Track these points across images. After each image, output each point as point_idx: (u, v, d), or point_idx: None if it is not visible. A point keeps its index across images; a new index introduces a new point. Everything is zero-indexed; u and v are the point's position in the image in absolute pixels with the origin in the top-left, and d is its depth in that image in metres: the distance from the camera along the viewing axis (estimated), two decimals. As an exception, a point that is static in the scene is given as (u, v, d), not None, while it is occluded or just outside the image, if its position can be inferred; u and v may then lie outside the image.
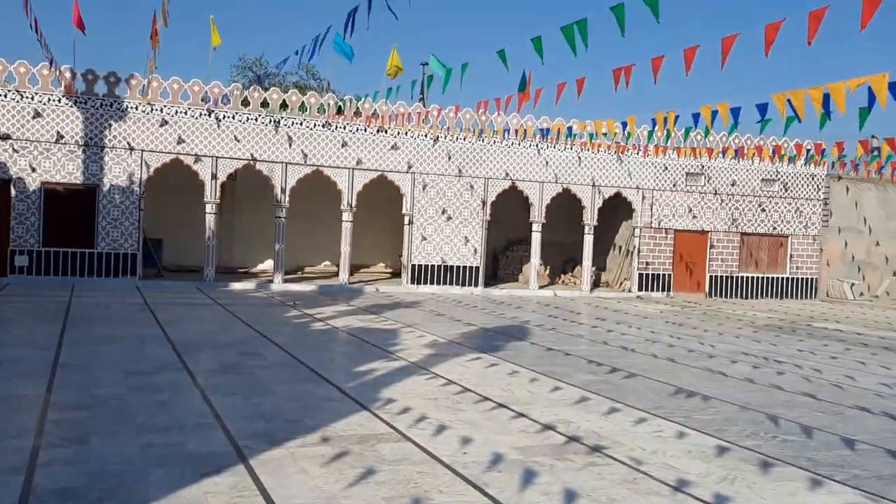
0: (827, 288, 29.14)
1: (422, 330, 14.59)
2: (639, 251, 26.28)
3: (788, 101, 8.75)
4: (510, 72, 10.80)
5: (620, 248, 27.59)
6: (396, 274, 26.86)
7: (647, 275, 26.42)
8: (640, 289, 26.28)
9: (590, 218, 25.56)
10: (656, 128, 14.14)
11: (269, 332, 13.39)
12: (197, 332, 13.27)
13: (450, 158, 24.13)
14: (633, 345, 13.96)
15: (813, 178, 28.08)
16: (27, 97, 20.08)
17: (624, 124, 15.81)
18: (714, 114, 12.71)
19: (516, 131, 23.80)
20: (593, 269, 26.21)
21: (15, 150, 20.02)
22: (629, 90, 11.05)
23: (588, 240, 25.69)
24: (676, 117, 14.08)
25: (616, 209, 26.64)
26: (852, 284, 29.16)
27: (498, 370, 10.67)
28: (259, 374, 9.65)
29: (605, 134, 22.26)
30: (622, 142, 24.92)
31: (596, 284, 26.72)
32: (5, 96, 19.92)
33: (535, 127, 24.11)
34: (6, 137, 19.90)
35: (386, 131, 23.48)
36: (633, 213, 26.27)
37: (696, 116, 11.70)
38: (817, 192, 28.23)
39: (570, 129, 22.57)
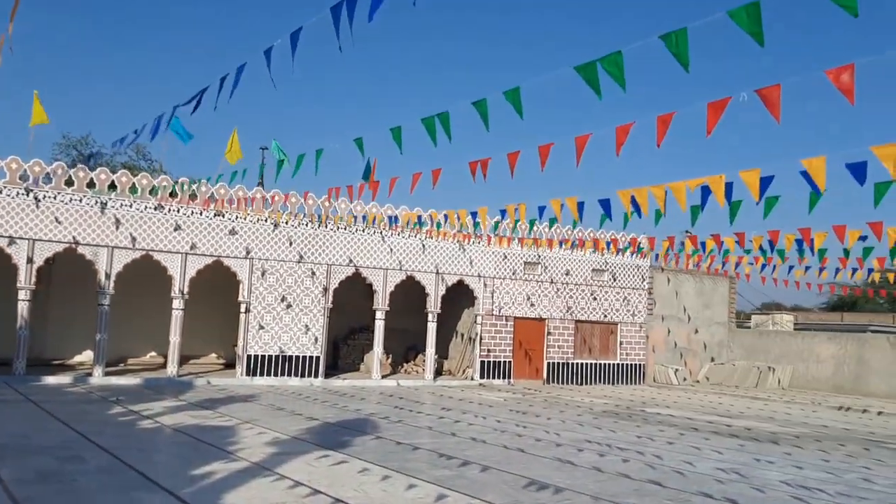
0: (654, 373, 30.63)
1: (261, 426, 13.72)
2: (481, 338, 26.55)
3: (633, 197, 9.15)
4: (362, 158, 10.66)
5: (463, 335, 27.79)
6: (230, 365, 25.52)
7: (489, 362, 26.66)
8: (482, 376, 26.42)
9: (433, 305, 25.63)
10: (506, 219, 14.45)
11: (91, 432, 12.08)
12: (7, 435, 11.74)
13: (291, 244, 23.56)
14: (483, 435, 13.79)
15: (638, 269, 29.80)
16: None
17: (474, 214, 16.09)
18: (562, 207, 13.19)
19: (364, 217, 23.70)
20: (436, 356, 26.13)
21: None
22: (485, 181, 11.23)
23: (431, 327, 25.67)
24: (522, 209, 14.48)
25: (459, 297, 26.92)
26: (676, 370, 30.84)
27: (347, 468, 10.10)
28: (82, 481, 8.57)
29: (446, 222, 22.62)
30: (469, 231, 25.44)
31: (439, 373, 26.61)
32: None
33: (383, 214, 24.12)
34: None
35: (223, 215, 22.65)
36: (475, 301, 26.63)
37: (541, 209, 12.04)
38: (642, 283, 29.93)
39: (419, 218, 22.76)
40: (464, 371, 27.25)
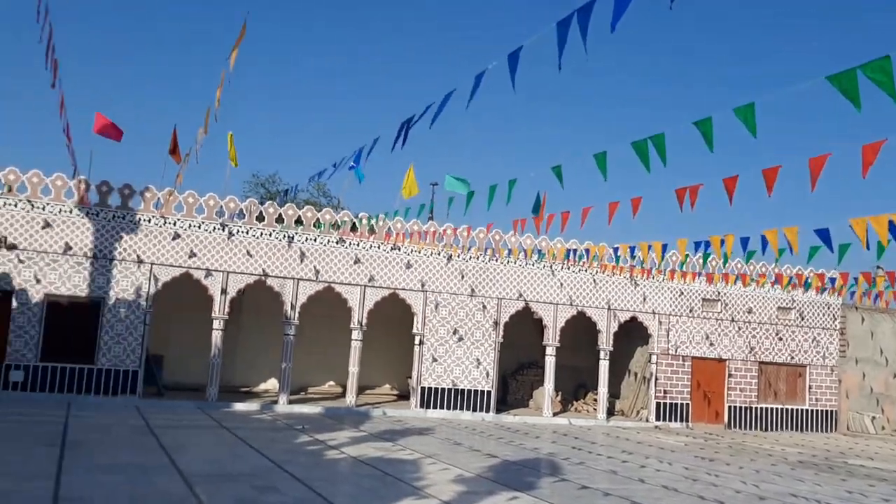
0: (847, 420, 28.13)
1: (443, 462, 13.62)
2: (656, 378, 25.43)
3: (823, 231, 8.31)
4: (562, 187, 10.43)
5: (636, 374, 26.75)
6: (402, 396, 25.86)
7: (665, 404, 25.46)
8: (657, 418, 25.25)
9: (605, 342, 24.86)
10: (673, 253, 13.78)
11: (283, 461, 12.42)
12: (205, 461, 12.31)
13: (463, 277, 23.66)
14: (673, 483, 13.00)
15: (828, 307, 27.62)
16: (38, 207, 19.73)
17: (649, 247, 15.46)
18: (745, 241, 12.37)
19: (540, 252, 23.45)
20: (608, 395, 25.26)
21: (20, 261, 19.48)
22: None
23: (603, 365, 24.89)
24: (700, 243, 13.73)
25: (631, 334, 25.98)
26: (873, 417, 28.18)
27: (540, 513, 9.73)
28: (283, 514, 8.72)
29: (618, 256, 21.94)
30: (637, 266, 24.59)
31: (611, 412, 25.70)
32: (15, 206, 19.56)
33: (553, 248, 23.78)
34: (12, 247, 19.39)
35: (399, 249, 23.11)
36: (649, 339, 25.60)
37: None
38: (833, 322, 27.69)
39: (586, 251, 22.26)
40: (637, 412, 26.17)
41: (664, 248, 13.57)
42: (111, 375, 19.99)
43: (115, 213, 20.42)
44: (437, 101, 9.32)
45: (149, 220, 20.70)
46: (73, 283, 19.88)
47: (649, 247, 15.52)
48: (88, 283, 20.02)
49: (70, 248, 19.90)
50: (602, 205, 13.06)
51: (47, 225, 19.77)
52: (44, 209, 19.79)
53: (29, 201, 19.67)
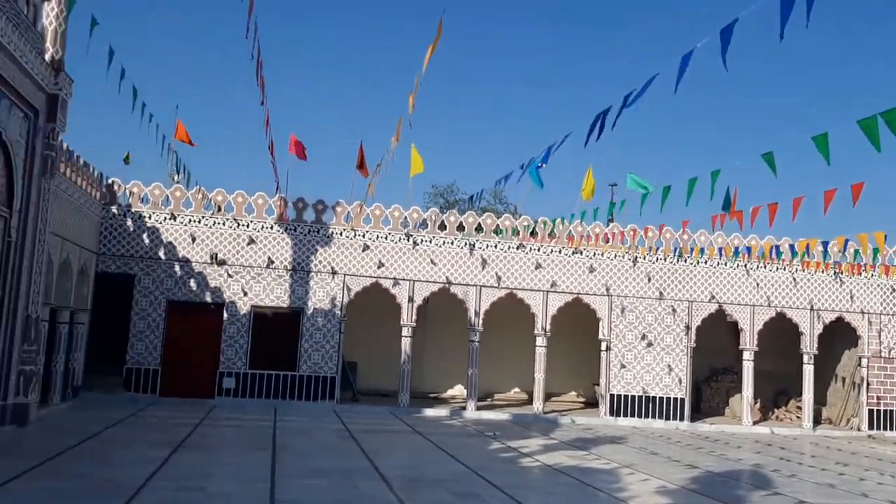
0: None
1: (642, 472, 13.13)
2: (867, 384, 23.35)
3: None
4: (775, 176, 9.73)
5: (843, 379, 24.70)
6: (589, 404, 25.37)
7: (879, 411, 23.33)
8: (869, 427, 23.17)
9: (809, 345, 23.15)
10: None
11: (478, 467, 12.46)
12: (405, 466, 12.60)
13: (650, 280, 22.88)
14: (904, 501, 11.79)
15: None
16: (243, 225, 21.17)
17: (846, 241, 14.19)
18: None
19: (736, 250, 22.25)
20: (813, 403, 23.47)
21: (229, 276, 20.97)
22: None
23: (808, 370, 23.17)
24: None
25: (837, 335, 24.03)
26: None
27: (757, 530, 9.09)
28: (488, 522, 8.69)
29: (826, 252, 20.35)
30: (839, 261, 22.72)
31: (817, 421, 23.86)
32: (223, 224, 21.09)
33: (743, 245, 22.47)
34: (222, 263, 20.92)
35: (581, 252, 22.73)
36: (857, 341, 23.56)
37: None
38: None
39: (791, 247, 20.82)
40: (847, 420, 24.13)
41: (886, 238, 12.30)
42: (311, 382, 21.07)
43: (310, 228, 21.54)
44: (635, 89, 8.98)
45: (340, 233, 21.65)
46: (275, 294, 21.16)
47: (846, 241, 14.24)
48: (289, 295, 21.23)
49: (272, 262, 21.20)
50: (815, 194, 12.17)
51: (252, 241, 21.17)
52: (248, 226, 21.21)
53: (235, 220, 21.15)
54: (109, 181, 20.72)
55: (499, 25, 66.23)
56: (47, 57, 13.99)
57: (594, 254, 22.79)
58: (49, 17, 14.20)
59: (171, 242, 20.81)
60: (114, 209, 20.63)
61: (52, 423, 14.86)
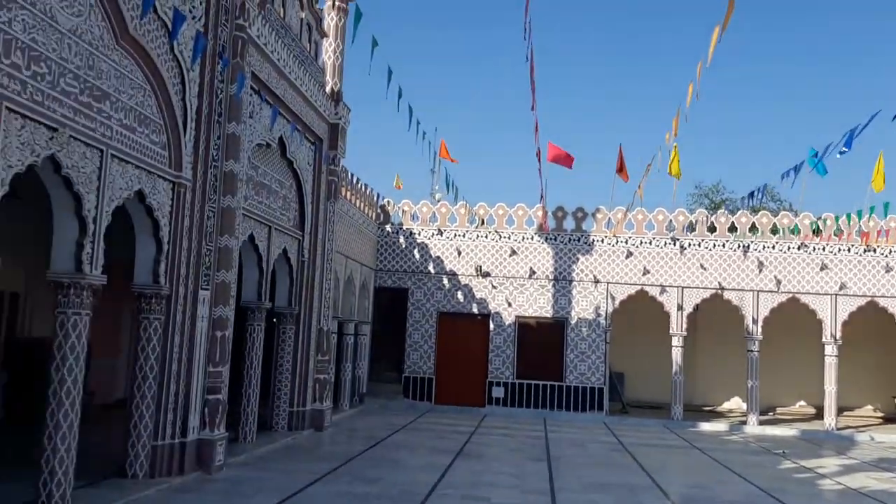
0: None
1: (975, 502, 11.28)
2: None
3: None
4: None
5: None
6: (888, 419, 22.58)
7: None
8: None
9: None
10: None
11: (773, 489, 11.43)
12: (690, 485, 11.90)
13: (963, 280, 19.88)
14: None
15: None
16: (504, 237, 21.52)
17: None
18: None
19: None
20: None
21: (494, 287, 21.39)
22: None
23: None
24: None
25: None
26: None
27: None
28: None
29: None
30: None
31: None
32: (486, 237, 21.58)
33: None
34: (486, 275, 21.41)
35: (874, 250, 20.32)
36: None
37: None
38: None
39: None
40: None
41: None
42: (578, 392, 20.82)
43: (570, 237, 21.38)
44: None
45: (602, 241, 21.25)
46: (538, 304, 21.23)
47: None
48: (552, 305, 21.19)
49: (534, 273, 21.31)
50: None
51: (513, 252, 21.44)
52: (509, 238, 21.53)
53: (497, 232, 21.57)
54: (383, 202, 22.07)
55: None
56: (328, 89, 15.16)
57: (890, 251, 20.29)
58: (328, 52, 15.40)
59: (439, 257, 21.68)
60: (388, 227, 21.93)
61: (344, 427, 16.00)
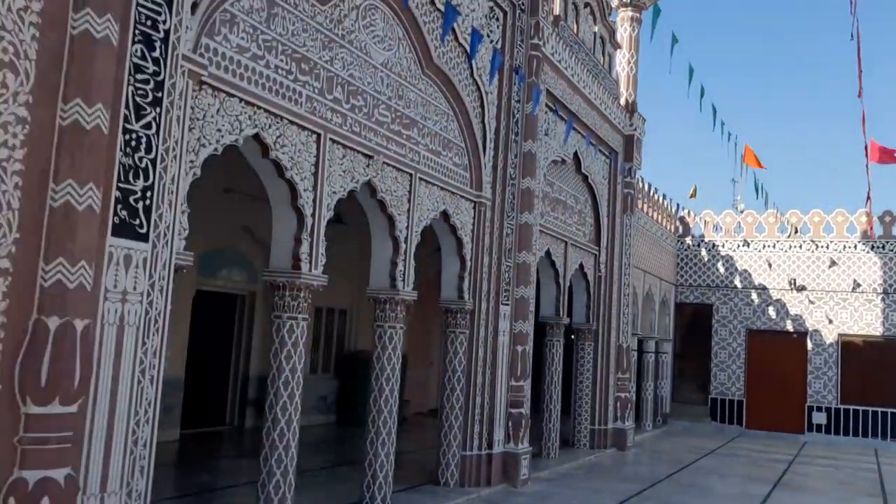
0: None
1: None
2: None
3: None
4: None
5: None
6: None
7: None
8: None
9: None
10: None
11: None
12: None
13: None
14: None
15: None
16: (822, 246, 19.52)
17: None
18: None
19: None
20: None
21: (811, 302, 19.47)
22: None
23: None
24: None
25: None
26: None
27: None
28: None
29: None
30: None
31: None
32: (800, 247, 19.75)
33: None
34: (802, 289, 19.56)
35: None
36: None
37: None
38: None
39: None
40: None
41: None
42: (920, 422, 18.16)
43: (903, 244, 18.83)
44: None
45: (945, 248, 18.42)
46: (865, 321, 18.92)
47: None
48: (882, 322, 18.76)
49: (858, 286, 19.05)
50: None
51: (833, 263, 19.36)
52: (827, 248, 19.48)
53: (812, 241, 19.64)
54: (682, 213, 21.18)
55: None
56: (622, 101, 14.90)
57: None
58: (621, 63, 15.15)
59: (745, 270, 20.24)
60: (688, 240, 20.96)
61: (647, 448, 15.46)
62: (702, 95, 11.15)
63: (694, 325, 20.95)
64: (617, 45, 14.87)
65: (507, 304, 10.21)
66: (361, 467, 8.13)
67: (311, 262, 6.74)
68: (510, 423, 10.21)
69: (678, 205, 20.66)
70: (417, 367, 16.53)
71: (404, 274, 8.17)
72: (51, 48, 4.36)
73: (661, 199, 19.25)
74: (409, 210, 8.20)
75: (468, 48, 9.02)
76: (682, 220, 21.12)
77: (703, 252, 20.75)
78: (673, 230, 20.58)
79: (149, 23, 4.95)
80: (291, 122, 6.51)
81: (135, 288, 4.88)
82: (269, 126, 6.28)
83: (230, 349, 13.39)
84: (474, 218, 9.62)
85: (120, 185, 4.76)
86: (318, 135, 6.81)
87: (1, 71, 4.12)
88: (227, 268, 12.80)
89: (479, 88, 9.55)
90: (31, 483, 4.12)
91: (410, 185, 8.23)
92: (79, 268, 4.37)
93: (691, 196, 22.29)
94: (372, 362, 8.18)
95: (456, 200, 9.20)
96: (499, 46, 10.00)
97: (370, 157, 7.52)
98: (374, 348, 8.19)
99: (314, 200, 6.77)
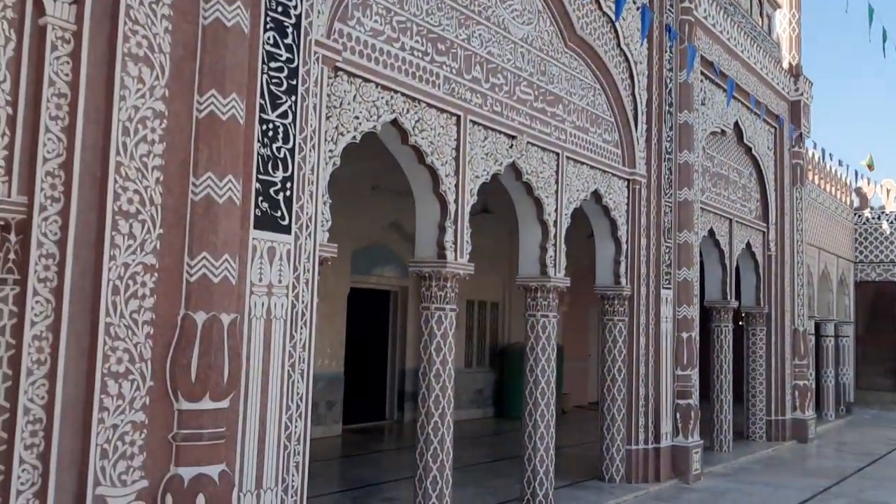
0: None
1: None
2: None
3: None
4: None
5: None
6: None
7: None
8: None
9: None
10: None
11: None
12: None
13: None
14: None
15: None
16: None
17: None
18: None
19: None
20: None
21: None
22: None
23: None
24: None
25: None
26: None
27: None
28: None
29: None
30: None
31: None
32: None
33: None
34: None
35: None
36: None
37: None
38: None
39: None
40: None
41: None
42: None
43: None
44: None
45: None
46: None
47: None
48: None
49: None
50: None
51: None
52: None
53: None
54: (859, 183, 19.36)
55: None
56: (784, 64, 13.72)
57: None
58: (782, 24, 13.97)
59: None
60: (866, 213, 19.15)
61: (830, 439, 14.18)
62: (884, 39, 9.96)
63: (877, 305, 19.10)
64: (776, 5, 13.71)
65: (669, 288, 9.56)
66: (521, 462, 7.80)
67: (456, 251, 6.48)
68: (678, 415, 9.56)
69: (856, 172, 18.88)
70: (575, 359, 16.01)
71: (555, 260, 7.75)
72: (184, 39, 4.31)
73: (834, 168, 17.66)
74: (557, 191, 7.77)
75: (612, 16, 8.48)
76: (858, 191, 19.29)
77: (885, 225, 18.87)
78: (849, 203, 18.84)
79: (279, 9, 4.84)
80: (430, 105, 6.27)
81: (280, 281, 4.79)
82: (408, 110, 6.07)
83: (386, 345, 13.47)
84: (628, 197, 9.05)
85: (259, 176, 4.68)
86: (458, 117, 6.54)
87: (136, 66, 4.10)
88: (379, 265, 12.85)
89: (627, 59, 8.96)
90: (187, 480, 4.08)
91: (557, 165, 7.79)
92: (223, 261, 4.30)
93: (867, 166, 20.37)
94: (525, 354, 7.83)
95: (607, 179, 8.67)
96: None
97: (513, 137, 7.16)
98: (526, 339, 7.83)
99: (456, 186, 6.50)
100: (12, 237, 3.78)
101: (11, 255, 3.78)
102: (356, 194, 11.65)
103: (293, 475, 4.84)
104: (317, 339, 11.34)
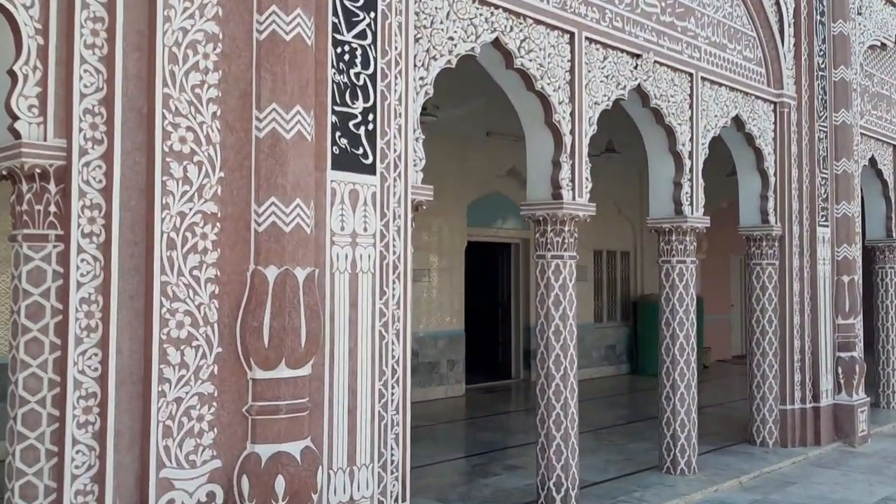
0: None
1: None
2: None
3: None
4: None
5: None
6: None
7: None
8: None
9: None
10: None
11: None
12: None
13: None
14: None
15: None
16: None
17: None
18: None
19: None
20: None
21: None
22: None
23: None
24: None
25: None
26: None
27: None
28: None
29: None
30: None
31: None
32: None
33: None
34: None
35: None
36: None
37: None
38: None
39: None
40: None
41: None
42: None
43: None
44: None
45: None
46: None
47: None
48: None
49: None
50: None
51: None
52: None
53: None
54: None
55: None
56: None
57: None
58: (954, -85, 11.97)
59: None
60: None
61: None
62: None
63: None
64: None
65: (826, 226, 8.33)
66: (658, 425, 6.95)
67: (573, 189, 5.66)
68: (840, 370, 8.40)
69: None
70: (716, 310, 14.79)
71: (691, 197, 6.76)
72: (236, -52, 3.69)
73: None
74: (691, 118, 6.74)
75: None
76: None
77: None
78: None
79: None
80: (537, 22, 5.42)
81: (365, 229, 4.15)
82: (511, 28, 5.25)
83: (509, 300, 12.78)
84: (775, 122, 7.86)
85: (336, 108, 4.03)
86: (572, 34, 5.66)
87: (180, -19, 3.52)
88: (498, 216, 12.11)
89: (769, -39, 7.72)
90: (264, 459, 3.54)
91: (691, 88, 6.75)
92: (294, 207, 3.69)
93: None
94: (661, 305, 6.91)
95: (750, 102, 7.52)
96: None
97: (638, 56, 6.20)
98: (661, 290, 6.91)
99: (572, 114, 5.65)
100: (52, 187, 3.29)
101: (52, 208, 3.30)
102: (470, 141, 10.94)
103: (392, 449, 4.25)
104: (434, 296, 10.87)
